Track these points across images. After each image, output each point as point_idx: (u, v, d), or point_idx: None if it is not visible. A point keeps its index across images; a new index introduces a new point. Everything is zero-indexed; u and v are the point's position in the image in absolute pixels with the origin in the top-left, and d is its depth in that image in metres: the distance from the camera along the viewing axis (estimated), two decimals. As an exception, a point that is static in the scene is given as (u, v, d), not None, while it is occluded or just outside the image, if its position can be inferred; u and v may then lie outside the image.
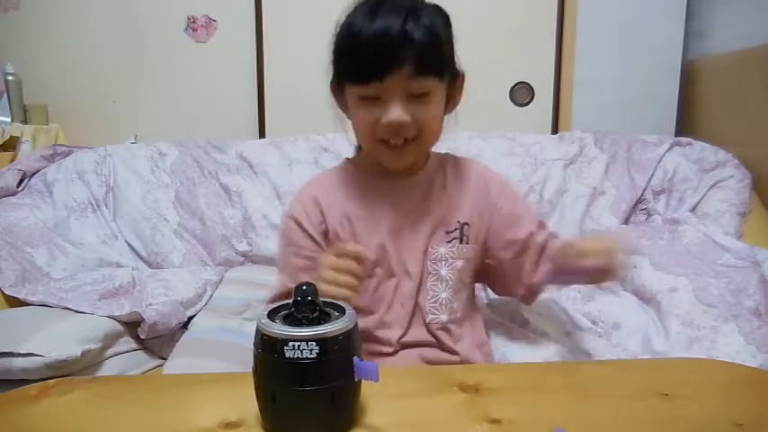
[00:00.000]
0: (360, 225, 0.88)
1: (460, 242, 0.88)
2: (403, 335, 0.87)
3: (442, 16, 0.81)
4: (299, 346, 0.49)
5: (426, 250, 0.88)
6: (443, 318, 0.89)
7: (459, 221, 0.88)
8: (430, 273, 0.88)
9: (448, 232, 0.88)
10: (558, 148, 1.63)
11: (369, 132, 0.81)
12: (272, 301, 0.79)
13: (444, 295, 0.89)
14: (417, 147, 0.83)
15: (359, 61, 0.76)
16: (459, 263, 0.88)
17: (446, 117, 0.86)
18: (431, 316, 0.88)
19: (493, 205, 0.90)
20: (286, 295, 0.59)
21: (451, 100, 0.85)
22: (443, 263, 0.88)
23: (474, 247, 0.90)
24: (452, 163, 0.94)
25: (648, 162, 1.57)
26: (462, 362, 0.88)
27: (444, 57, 0.79)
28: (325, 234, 0.89)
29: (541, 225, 0.91)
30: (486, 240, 0.91)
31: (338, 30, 0.79)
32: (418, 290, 0.88)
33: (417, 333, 0.88)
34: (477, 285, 1.42)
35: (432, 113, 0.80)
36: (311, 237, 0.88)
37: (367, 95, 0.78)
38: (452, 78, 0.83)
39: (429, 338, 0.88)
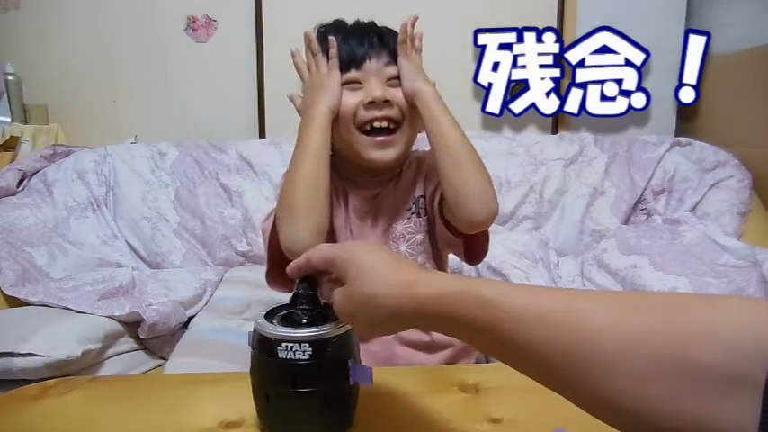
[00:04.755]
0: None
1: (418, 216, 0.89)
2: None
3: None
4: (291, 347, 0.49)
5: (387, 230, 0.89)
6: None
7: (415, 196, 0.90)
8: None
9: (407, 210, 0.90)
10: (558, 148, 1.63)
11: (351, 118, 0.83)
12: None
13: None
14: (401, 136, 0.86)
15: (341, 50, 0.85)
16: (419, 236, 0.89)
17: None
18: None
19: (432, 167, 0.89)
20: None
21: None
22: (402, 240, 0.89)
23: (429, 215, 0.90)
24: (418, 156, 0.95)
25: (648, 162, 1.57)
26: (435, 341, 0.87)
27: None
28: None
29: None
30: (432, 200, 0.89)
31: (316, 36, 0.87)
32: None
33: None
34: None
35: None
36: None
37: (349, 80, 0.84)
38: None
39: None
